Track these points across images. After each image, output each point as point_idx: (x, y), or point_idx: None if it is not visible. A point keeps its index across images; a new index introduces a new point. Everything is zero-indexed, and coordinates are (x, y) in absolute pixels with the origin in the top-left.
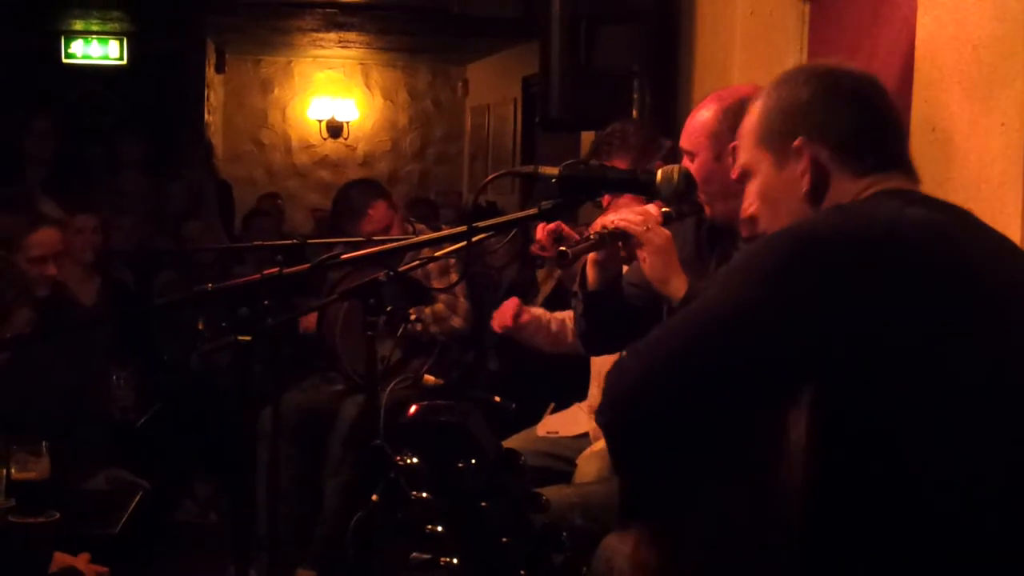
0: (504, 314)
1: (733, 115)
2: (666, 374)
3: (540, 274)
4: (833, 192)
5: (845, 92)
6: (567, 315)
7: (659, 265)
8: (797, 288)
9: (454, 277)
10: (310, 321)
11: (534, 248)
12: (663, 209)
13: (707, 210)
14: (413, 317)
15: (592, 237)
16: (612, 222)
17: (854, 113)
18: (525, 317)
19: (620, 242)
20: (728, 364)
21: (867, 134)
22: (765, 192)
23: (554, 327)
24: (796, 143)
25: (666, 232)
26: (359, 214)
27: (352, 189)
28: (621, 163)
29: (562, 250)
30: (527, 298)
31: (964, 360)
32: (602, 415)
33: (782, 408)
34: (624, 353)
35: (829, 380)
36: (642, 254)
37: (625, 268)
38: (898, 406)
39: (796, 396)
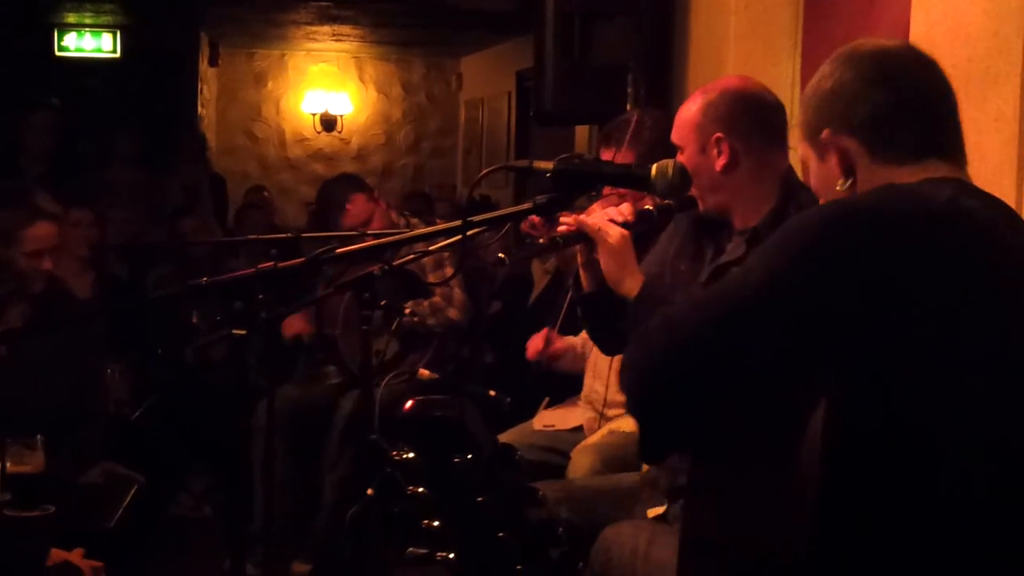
0: (536, 341)
1: (715, 108)
2: (691, 344)
3: (535, 269)
4: (865, 180)
5: (867, 72)
6: None
7: (613, 265)
8: (830, 265)
9: (449, 270)
10: (293, 327)
11: (524, 225)
12: (646, 206)
13: (700, 204)
14: (408, 311)
15: (543, 242)
16: (564, 225)
17: (875, 93)
18: (558, 345)
19: (579, 244)
20: (753, 340)
21: (889, 115)
22: (816, 185)
23: (588, 353)
24: (823, 136)
25: (621, 232)
26: (338, 208)
27: (330, 184)
28: (630, 153)
29: (500, 256)
30: (521, 294)
31: (991, 354)
32: (623, 381)
33: (802, 389)
34: (639, 331)
35: (851, 363)
36: (599, 255)
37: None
38: (918, 396)
39: (816, 377)
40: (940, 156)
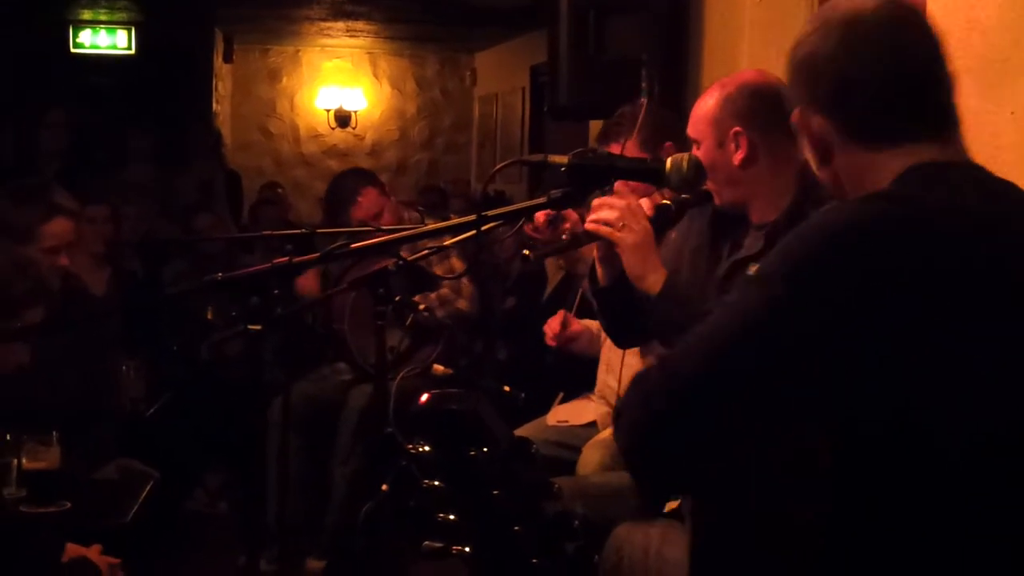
0: (552, 326)
1: (733, 102)
2: (694, 387)
3: (549, 265)
4: (844, 163)
5: (839, 46)
6: None
7: (635, 262)
8: (826, 283)
9: (455, 263)
10: (305, 286)
11: (528, 228)
12: (663, 201)
13: (716, 198)
14: (422, 307)
15: (566, 238)
16: (586, 223)
17: (850, 71)
18: (575, 327)
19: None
20: (753, 372)
21: (868, 95)
22: (808, 155)
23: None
24: (794, 114)
25: (644, 227)
26: (349, 201)
27: (341, 178)
28: (631, 145)
29: (525, 253)
30: (535, 289)
31: (994, 362)
32: (618, 427)
33: (805, 412)
34: (637, 375)
35: (852, 384)
36: (619, 252)
37: None
38: (922, 409)
39: (818, 400)
40: (927, 135)
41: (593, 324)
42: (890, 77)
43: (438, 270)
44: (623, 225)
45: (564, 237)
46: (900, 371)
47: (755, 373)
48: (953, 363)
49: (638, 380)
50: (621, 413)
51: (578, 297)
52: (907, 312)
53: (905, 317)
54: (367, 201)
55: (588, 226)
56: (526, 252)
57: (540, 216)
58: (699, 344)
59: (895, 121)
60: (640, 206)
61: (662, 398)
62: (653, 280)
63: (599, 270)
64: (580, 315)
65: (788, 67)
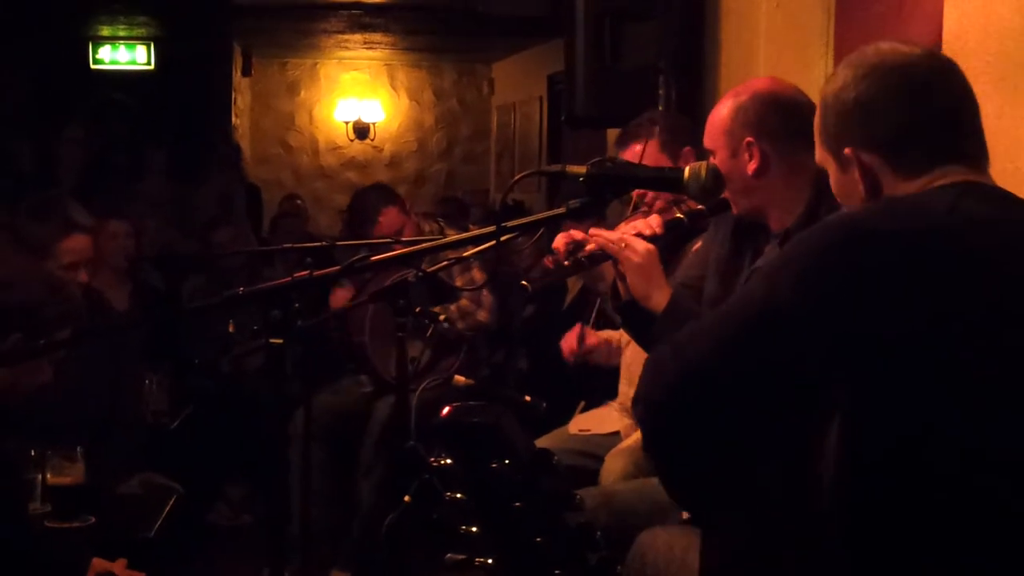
0: (570, 339)
1: (745, 111)
2: (701, 372)
3: None
4: (888, 189)
5: (892, 88)
6: None
7: (639, 282)
8: (832, 286)
9: (476, 274)
10: (339, 300)
11: (548, 260)
12: (676, 215)
13: (734, 207)
14: (442, 318)
15: (567, 264)
16: (587, 246)
17: (901, 110)
18: (592, 340)
19: (605, 262)
20: (761, 362)
21: (915, 131)
22: (837, 191)
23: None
24: (847, 152)
25: (646, 246)
26: (371, 220)
27: (363, 196)
28: (652, 150)
29: (523, 284)
30: (555, 299)
31: (1002, 364)
32: (637, 413)
33: (815, 407)
34: (659, 348)
35: (861, 379)
36: (625, 271)
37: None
38: (929, 408)
39: (828, 395)
40: (958, 161)
41: (613, 335)
42: (940, 118)
43: (459, 281)
44: (625, 246)
45: (566, 264)
46: (908, 370)
47: (764, 357)
48: (963, 366)
49: (651, 362)
50: (638, 396)
51: (595, 310)
52: (916, 311)
53: (914, 316)
54: (388, 220)
55: (589, 249)
56: (524, 283)
57: (560, 245)
58: (711, 328)
59: (937, 153)
60: (646, 224)
61: (675, 377)
62: (658, 299)
63: (619, 286)
64: (598, 327)
65: (832, 108)
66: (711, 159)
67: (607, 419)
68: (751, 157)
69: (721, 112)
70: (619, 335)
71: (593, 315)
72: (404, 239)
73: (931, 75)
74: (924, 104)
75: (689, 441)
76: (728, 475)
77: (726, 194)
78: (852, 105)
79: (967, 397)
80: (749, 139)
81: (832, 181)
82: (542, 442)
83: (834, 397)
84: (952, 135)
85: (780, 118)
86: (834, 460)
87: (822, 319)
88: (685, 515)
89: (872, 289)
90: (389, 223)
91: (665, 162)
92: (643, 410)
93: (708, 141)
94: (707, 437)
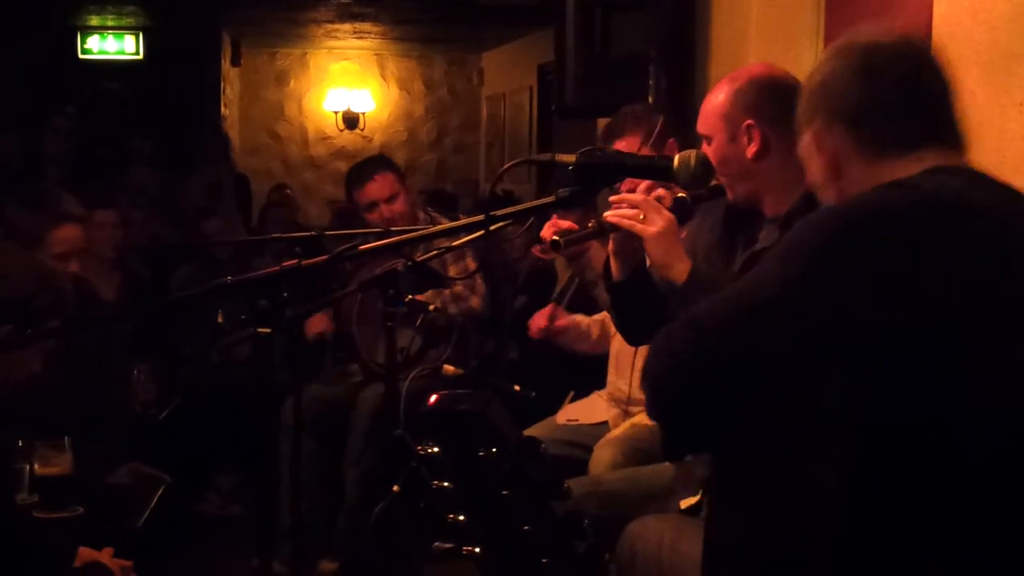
0: (539, 318)
1: (744, 95)
2: (715, 349)
3: (559, 264)
4: (856, 177)
5: (852, 67)
6: (604, 316)
7: (659, 252)
8: (835, 270)
9: (470, 263)
10: (316, 326)
11: (536, 250)
12: (678, 194)
13: (729, 193)
14: (432, 307)
15: (592, 226)
16: (605, 216)
17: (865, 93)
18: (562, 321)
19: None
20: (773, 340)
21: (880, 114)
22: (809, 179)
23: (595, 333)
24: (814, 128)
25: (666, 216)
26: (366, 178)
27: (362, 161)
28: (632, 143)
29: (555, 239)
30: (546, 288)
31: (1004, 343)
32: (646, 384)
33: (818, 391)
34: (663, 330)
35: (863, 364)
36: (644, 243)
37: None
38: (938, 388)
39: (829, 380)
40: (935, 144)
41: (582, 320)
42: (907, 95)
43: (453, 270)
44: (644, 217)
45: (591, 225)
46: (916, 355)
47: (776, 338)
48: (962, 366)
49: (664, 336)
50: (646, 367)
51: (570, 292)
52: (923, 295)
53: (921, 301)
54: (381, 184)
55: (610, 218)
56: (556, 238)
57: (548, 234)
58: (726, 306)
59: (911, 133)
60: (661, 196)
61: (687, 346)
62: (679, 269)
63: (613, 264)
64: (571, 311)
65: (804, 92)
66: (704, 146)
67: (596, 409)
68: (751, 140)
69: (718, 97)
70: (588, 320)
71: (567, 297)
72: (399, 216)
73: (896, 57)
74: (884, 83)
75: (697, 416)
76: (732, 448)
77: (720, 180)
78: (818, 84)
79: (969, 387)
80: (749, 122)
81: (812, 163)
82: (531, 432)
83: (843, 375)
84: (919, 118)
85: (777, 102)
86: (835, 451)
87: (832, 299)
88: (683, 503)
89: (880, 270)
90: (382, 186)
91: None
92: (653, 375)
93: (703, 127)
94: (715, 414)
